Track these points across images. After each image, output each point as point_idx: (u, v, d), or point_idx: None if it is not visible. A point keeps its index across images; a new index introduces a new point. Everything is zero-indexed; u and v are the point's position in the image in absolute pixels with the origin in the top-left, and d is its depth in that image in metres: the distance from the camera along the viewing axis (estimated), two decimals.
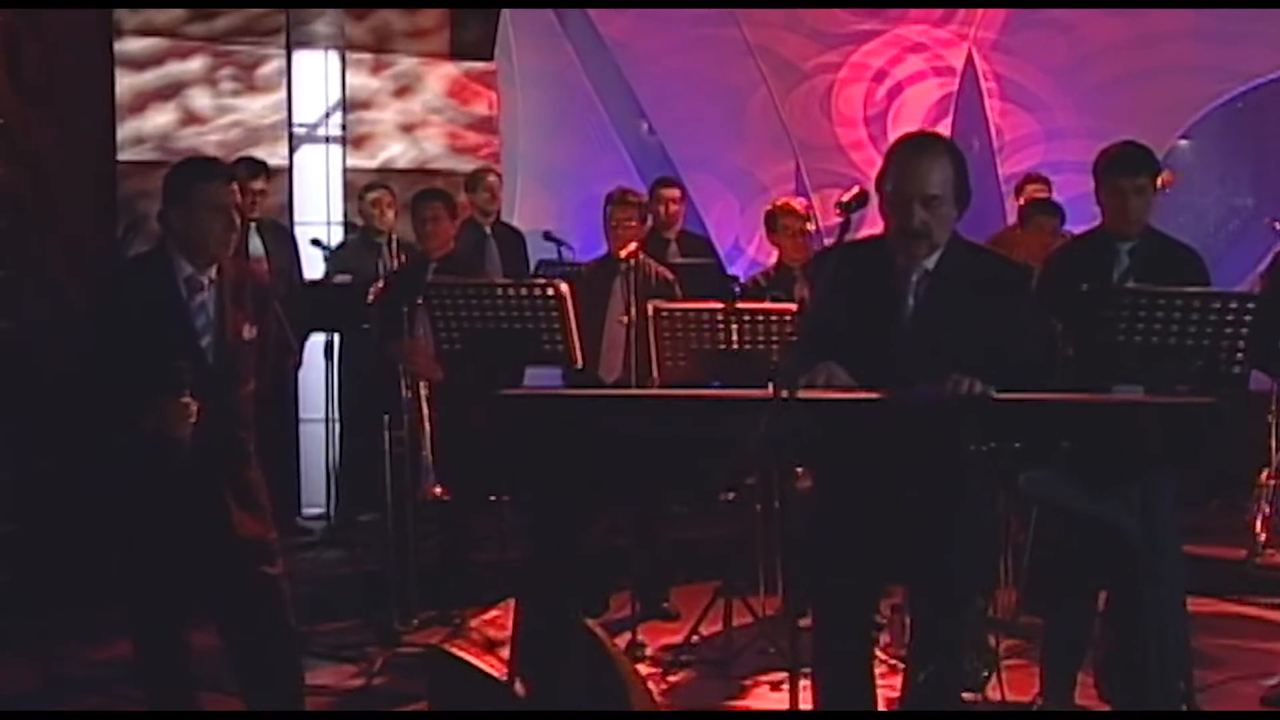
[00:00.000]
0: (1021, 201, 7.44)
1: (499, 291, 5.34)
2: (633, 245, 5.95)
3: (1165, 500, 3.09)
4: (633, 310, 5.66)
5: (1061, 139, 8.95)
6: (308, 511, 7.77)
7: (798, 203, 6.70)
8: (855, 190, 3.46)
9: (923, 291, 3.56)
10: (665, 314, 5.46)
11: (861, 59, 9.58)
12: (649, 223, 6.48)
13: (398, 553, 6.01)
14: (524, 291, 5.31)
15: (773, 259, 6.57)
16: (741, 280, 6.95)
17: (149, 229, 6.72)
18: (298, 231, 7.95)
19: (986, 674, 4.69)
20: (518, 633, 3.70)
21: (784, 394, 2.92)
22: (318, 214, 8.25)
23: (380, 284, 5.83)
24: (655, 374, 5.56)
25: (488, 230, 7.95)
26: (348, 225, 8.22)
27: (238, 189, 4.14)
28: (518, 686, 3.74)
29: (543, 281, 5.42)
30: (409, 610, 5.98)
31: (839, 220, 3.40)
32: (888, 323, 3.54)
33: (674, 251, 7.65)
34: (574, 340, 5.35)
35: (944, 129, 9.38)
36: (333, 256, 7.60)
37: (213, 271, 4.06)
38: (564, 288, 5.27)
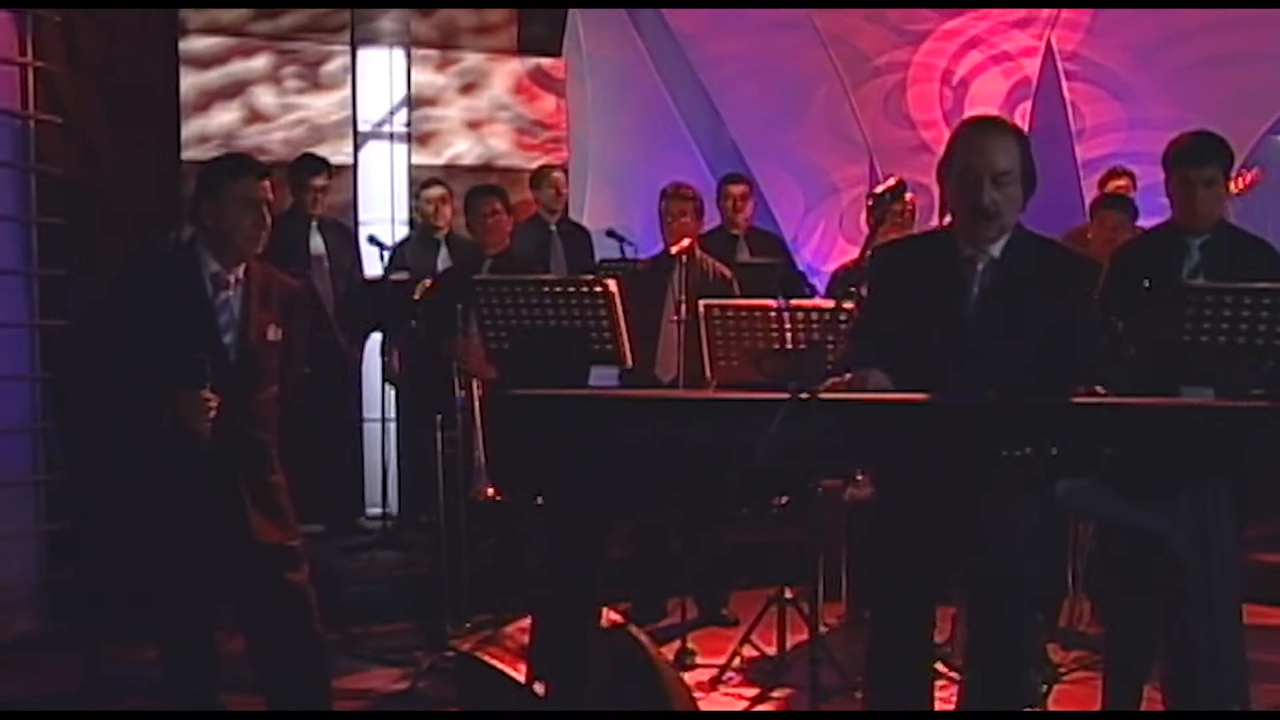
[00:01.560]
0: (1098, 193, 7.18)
1: (546, 289, 5.22)
2: (685, 241, 5.79)
3: (1218, 510, 2.88)
4: (683, 308, 5.50)
5: (1145, 128, 8.61)
6: (371, 512, 7.71)
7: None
8: (891, 182, 3.33)
9: (988, 280, 3.45)
10: (717, 313, 5.30)
11: (924, 59, 9.30)
12: (704, 218, 6.31)
13: (449, 555, 5.92)
14: (571, 289, 5.19)
15: (843, 260, 6.41)
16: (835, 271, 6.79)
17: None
18: (362, 230, 7.94)
19: (1045, 687, 4.48)
20: (534, 640, 3.58)
21: (803, 395, 2.75)
22: (382, 212, 8.20)
23: (428, 282, 5.74)
24: (709, 374, 5.41)
25: (553, 228, 7.88)
26: (413, 223, 8.16)
27: (269, 186, 4.07)
28: (537, 688, 3.63)
29: (590, 279, 5.28)
30: (461, 614, 5.88)
31: (872, 213, 3.25)
32: (952, 311, 3.41)
33: (742, 249, 7.51)
34: (623, 339, 5.22)
35: (1021, 115, 9.07)
36: (393, 254, 7.54)
37: (240, 270, 4.03)
38: (612, 285, 5.13)
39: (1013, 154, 3.43)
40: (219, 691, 4.16)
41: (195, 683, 4.10)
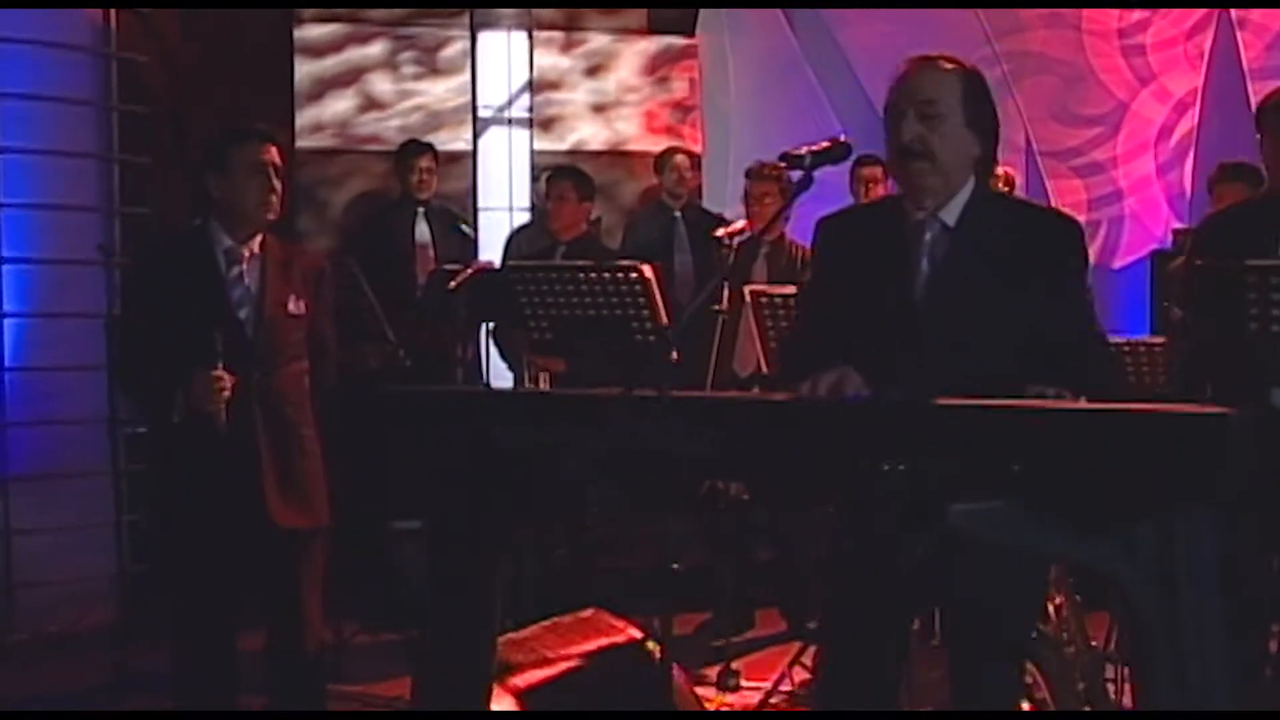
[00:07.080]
0: None
1: (581, 275, 4.87)
2: (739, 224, 5.39)
3: (1194, 546, 2.30)
4: (725, 297, 5.06)
5: None
6: None
7: (1000, 170, 5.95)
8: (824, 143, 2.85)
9: (940, 253, 2.89)
10: (764, 300, 4.85)
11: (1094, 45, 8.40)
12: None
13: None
14: (606, 275, 4.82)
15: None
16: None
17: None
18: (482, 218, 7.76)
19: None
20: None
21: (643, 394, 2.33)
22: (501, 200, 7.99)
23: (469, 270, 5.45)
24: (762, 367, 4.97)
25: (677, 213, 7.53)
26: (534, 210, 7.92)
27: (276, 151, 3.91)
28: None
29: (625, 264, 4.91)
30: (520, 619, 5.58)
31: (796, 179, 2.79)
32: (897, 290, 2.88)
33: None
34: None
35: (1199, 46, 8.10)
36: (508, 243, 7.32)
37: (255, 244, 3.88)
38: (648, 271, 4.75)
39: (945, 86, 2.92)
40: (239, 696, 3.97)
41: (207, 687, 3.91)
